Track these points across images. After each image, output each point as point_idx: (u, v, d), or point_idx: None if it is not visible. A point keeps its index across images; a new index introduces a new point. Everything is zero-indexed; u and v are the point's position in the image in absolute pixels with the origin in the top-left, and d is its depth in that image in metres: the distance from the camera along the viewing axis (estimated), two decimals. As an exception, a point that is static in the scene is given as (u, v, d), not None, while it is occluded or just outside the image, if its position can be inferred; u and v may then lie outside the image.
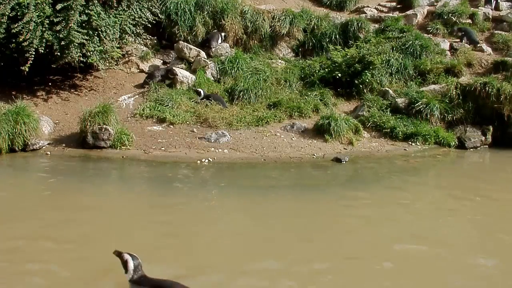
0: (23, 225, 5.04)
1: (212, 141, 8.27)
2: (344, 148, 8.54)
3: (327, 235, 5.17)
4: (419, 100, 9.55)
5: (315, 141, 8.62)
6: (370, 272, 4.29)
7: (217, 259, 4.46)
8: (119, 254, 3.94)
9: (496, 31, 12.24)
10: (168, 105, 9.18)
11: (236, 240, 4.95)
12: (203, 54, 10.73)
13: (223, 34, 11.15)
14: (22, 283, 3.98)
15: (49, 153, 7.80)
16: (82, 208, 5.63)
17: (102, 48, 9.06)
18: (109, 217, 5.41)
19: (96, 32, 8.77)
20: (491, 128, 9.38)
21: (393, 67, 10.60)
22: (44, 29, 8.29)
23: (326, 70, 10.55)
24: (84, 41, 8.57)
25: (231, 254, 4.59)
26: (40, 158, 7.63)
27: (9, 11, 8.09)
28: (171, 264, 4.33)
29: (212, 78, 10.41)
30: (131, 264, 3.86)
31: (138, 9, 9.57)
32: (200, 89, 9.56)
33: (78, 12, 8.33)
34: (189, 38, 11.10)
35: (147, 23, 9.78)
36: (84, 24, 8.62)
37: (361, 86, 10.26)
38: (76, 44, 8.44)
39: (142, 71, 10.74)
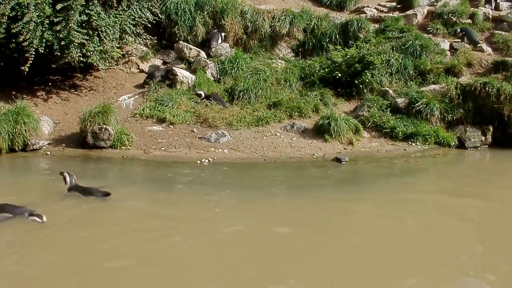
0: (22, 225, 5.04)
1: (212, 141, 8.27)
2: (344, 148, 8.54)
3: (327, 235, 5.17)
4: (419, 100, 9.56)
5: (315, 141, 8.62)
6: (369, 272, 4.29)
7: (213, 259, 4.46)
8: (61, 173, 5.97)
9: (496, 31, 12.26)
10: (168, 105, 9.18)
11: (235, 240, 4.95)
12: (203, 54, 10.74)
13: (223, 34, 11.16)
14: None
15: (49, 153, 7.80)
16: (80, 209, 5.62)
17: (102, 48, 9.06)
18: (109, 217, 5.41)
19: (96, 32, 8.78)
20: (491, 128, 9.39)
21: (393, 67, 10.62)
22: (44, 29, 8.29)
23: (326, 70, 10.55)
24: (84, 41, 8.58)
25: (231, 255, 4.59)
26: (40, 158, 7.63)
27: (9, 11, 8.09)
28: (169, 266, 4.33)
29: (212, 78, 10.41)
30: (68, 179, 5.92)
31: (138, 9, 9.58)
32: (201, 92, 9.52)
33: (78, 12, 8.34)
34: (189, 38, 11.12)
35: (147, 23, 9.79)
36: (84, 24, 8.63)
37: (361, 86, 10.27)
38: (76, 44, 8.44)
39: (142, 71, 10.75)
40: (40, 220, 4.98)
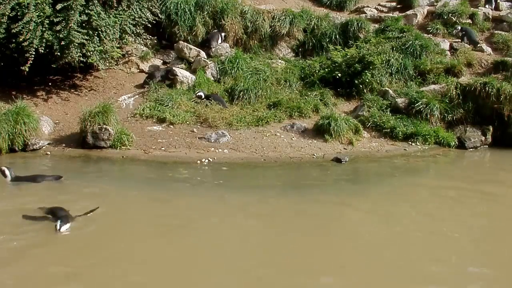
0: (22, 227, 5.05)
1: (212, 141, 8.27)
2: (344, 148, 8.54)
3: (327, 235, 5.17)
4: (419, 100, 9.55)
5: (315, 141, 8.62)
6: (369, 271, 4.29)
7: (216, 260, 4.46)
8: None
9: (496, 31, 12.24)
10: (168, 105, 9.18)
11: (235, 240, 4.95)
12: (203, 54, 10.74)
13: (223, 34, 11.16)
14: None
15: (49, 153, 7.80)
16: (81, 211, 5.62)
17: (102, 48, 9.06)
18: (109, 218, 5.41)
19: (96, 32, 8.77)
20: (491, 128, 9.39)
21: (393, 67, 10.61)
22: (44, 29, 8.29)
23: (326, 70, 10.55)
24: (84, 41, 8.57)
25: (231, 255, 4.59)
26: (40, 158, 7.62)
27: (9, 11, 8.09)
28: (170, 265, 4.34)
29: (212, 78, 10.41)
30: (7, 172, 6.22)
31: (138, 9, 9.57)
32: (201, 93, 9.48)
33: (78, 12, 8.33)
34: (189, 38, 11.11)
35: (147, 23, 9.78)
36: (84, 24, 8.63)
37: (361, 86, 10.26)
38: (76, 44, 8.44)
39: (142, 71, 10.75)
40: (60, 228, 4.84)
